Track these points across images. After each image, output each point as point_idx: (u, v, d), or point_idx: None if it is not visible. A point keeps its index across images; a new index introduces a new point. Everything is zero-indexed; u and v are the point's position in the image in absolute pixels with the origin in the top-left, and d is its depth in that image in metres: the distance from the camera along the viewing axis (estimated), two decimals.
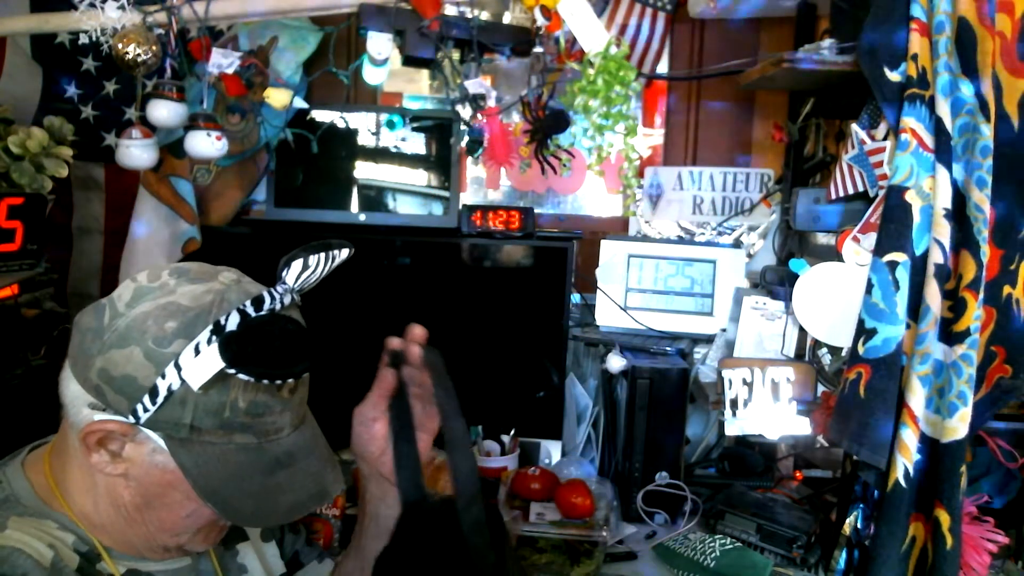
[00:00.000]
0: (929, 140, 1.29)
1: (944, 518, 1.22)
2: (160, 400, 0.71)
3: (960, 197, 1.28)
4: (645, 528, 1.68)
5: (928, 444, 1.26)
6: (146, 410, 0.72)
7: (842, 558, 1.43)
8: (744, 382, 1.64)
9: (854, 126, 1.41)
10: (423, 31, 1.37)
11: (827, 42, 1.49)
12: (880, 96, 1.34)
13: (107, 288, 1.86)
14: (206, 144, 1.39)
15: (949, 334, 1.26)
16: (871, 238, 1.35)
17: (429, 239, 1.91)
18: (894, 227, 1.29)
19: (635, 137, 1.47)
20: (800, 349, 1.66)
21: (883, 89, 1.34)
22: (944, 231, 1.27)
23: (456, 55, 1.45)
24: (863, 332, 1.31)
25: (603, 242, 1.94)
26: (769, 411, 1.63)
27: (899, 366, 1.29)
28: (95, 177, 1.89)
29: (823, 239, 1.66)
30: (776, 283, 1.75)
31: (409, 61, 1.44)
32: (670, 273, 1.92)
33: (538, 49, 1.46)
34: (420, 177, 1.97)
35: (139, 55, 1.26)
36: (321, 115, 1.91)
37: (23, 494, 0.80)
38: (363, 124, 1.94)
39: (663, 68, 2.07)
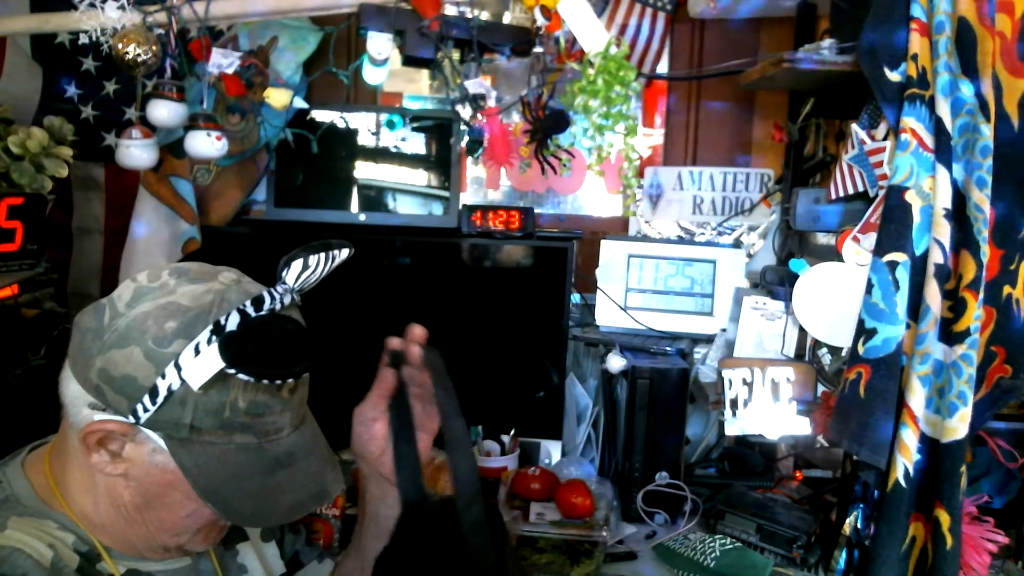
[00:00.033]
0: (929, 140, 1.29)
1: (944, 518, 1.22)
2: (160, 400, 0.71)
3: (960, 197, 1.28)
4: (645, 528, 1.68)
5: (928, 444, 1.26)
6: (146, 410, 0.72)
7: (842, 558, 1.43)
8: (744, 382, 1.64)
9: (854, 126, 1.41)
10: (423, 31, 1.37)
11: (827, 42, 1.49)
12: (880, 96, 1.34)
13: (107, 288, 1.86)
14: (206, 144, 1.39)
15: (949, 334, 1.26)
16: (871, 238, 1.35)
17: (429, 239, 1.91)
18: (894, 227, 1.29)
19: (635, 137, 1.47)
20: (800, 349, 1.66)
21: (883, 89, 1.34)
22: (944, 231, 1.27)
23: (456, 55, 1.45)
24: (863, 332, 1.31)
25: (603, 242, 1.94)
26: (769, 411, 1.63)
27: (899, 366, 1.29)
28: (95, 177, 1.89)
29: (823, 239, 1.66)
30: (776, 283, 1.75)
31: (409, 61, 1.44)
32: (670, 273, 1.92)
33: (538, 49, 1.46)
34: (420, 177, 1.97)
35: (139, 55, 1.26)
36: (321, 115, 1.91)
37: (23, 494, 0.80)
38: (363, 124, 1.94)
39: (663, 68, 2.07)
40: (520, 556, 1.47)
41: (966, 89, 1.29)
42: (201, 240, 1.82)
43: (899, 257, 1.28)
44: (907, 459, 1.25)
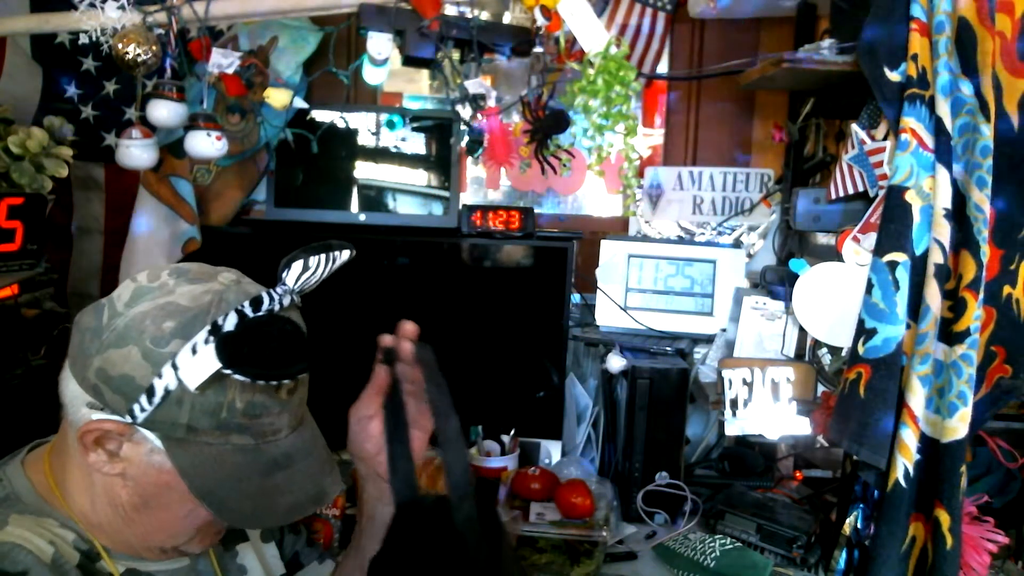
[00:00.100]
0: (929, 140, 1.29)
1: (944, 518, 1.22)
2: (157, 400, 0.71)
3: (960, 197, 1.28)
4: (645, 528, 1.68)
5: (928, 444, 1.26)
6: (143, 410, 0.72)
7: (842, 558, 1.43)
8: (744, 382, 1.64)
9: (854, 126, 1.41)
10: (423, 31, 1.37)
11: (827, 42, 1.49)
12: (880, 96, 1.34)
13: (107, 288, 1.86)
14: (206, 144, 1.39)
15: (949, 334, 1.26)
16: (871, 238, 1.35)
17: (429, 239, 1.91)
18: (894, 227, 1.29)
19: (635, 137, 1.47)
20: (800, 349, 1.66)
21: (883, 89, 1.34)
22: (944, 231, 1.27)
23: (456, 55, 1.45)
24: (863, 332, 1.31)
25: (603, 242, 1.94)
26: (769, 411, 1.63)
27: (899, 366, 1.29)
28: (95, 177, 1.89)
29: (823, 239, 1.66)
30: (776, 283, 1.75)
31: (409, 61, 1.44)
32: (670, 273, 1.92)
33: (538, 49, 1.46)
34: (420, 177, 1.97)
35: (139, 55, 1.26)
36: (321, 115, 1.91)
37: (23, 492, 0.80)
38: (363, 124, 1.94)
39: (663, 68, 2.07)
40: (520, 556, 1.47)
41: (966, 89, 1.29)
42: (201, 240, 1.82)
43: (899, 257, 1.28)
44: (907, 459, 1.25)
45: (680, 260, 1.92)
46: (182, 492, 0.75)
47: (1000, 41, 1.29)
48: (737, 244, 2.04)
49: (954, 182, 1.28)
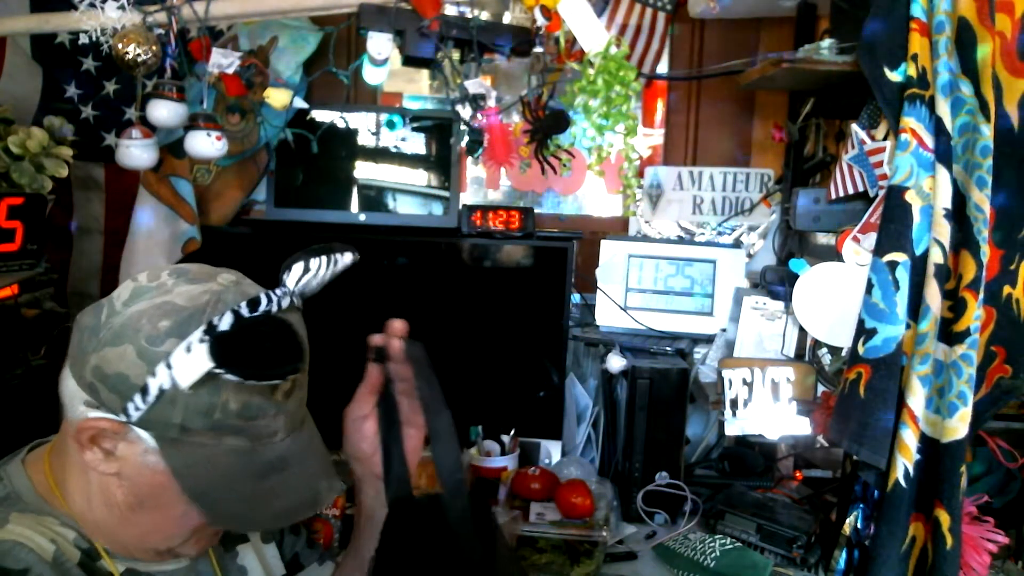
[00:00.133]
0: (929, 140, 1.29)
1: (944, 518, 1.22)
2: (151, 399, 0.71)
3: (960, 197, 1.28)
4: (645, 528, 1.68)
5: (928, 444, 1.26)
6: (137, 409, 0.72)
7: (842, 558, 1.43)
8: (744, 382, 1.64)
9: (854, 126, 1.41)
10: (423, 31, 1.37)
11: (827, 42, 1.49)
12: (880, 96, 1.34)
13: (107, 288, 1.86)
14: (206, 144, 1.39)
15: (949, 334, 1.26)
16: (871, 238, 1.35)
17: (429, 239, 1.91)
18: (894, 227, 1.29)
19: (635, 137, 1.47)
20: (800, 349, 1.66)
21: (883, 89, 1.34)
22: (944, 231, 1.27)
23: (456, 55, 1.45)
24: (863, 332, 1.31)
25: (603, 242, 1.94)
26: (769, 411, 1.63)
27: (899, 366, 1.29)
28: (95, 177, 1.89)
29: (823, 239, 1.66)
30: (776, 283, 1.75)
31: (409, 61, 1.44)
32: (670, 273, 1.92)
33: (538, 49, 1.46)
34: (420, 177, 1.97)
35: (139, 55, 1.26)
36: (321, 115, 1.91)
37: (24, 492, 0.80)
38: (363, 124, 1.94)
39: (663, 68, 2.07)
40: (520, 556, 1.47)
41: (966, 89, 1.29)
42: (201, 240, 1.82)
43: (899, 257, 1.28)
44: (907, 459, 1.25)
45: (680, 260, 1.92)
46: (176, 493, 0.75)
47: (1000, 41, 1.29)
48: (737, 244, 2.04)
49: (954, 182, 1.28)
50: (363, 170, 1.95)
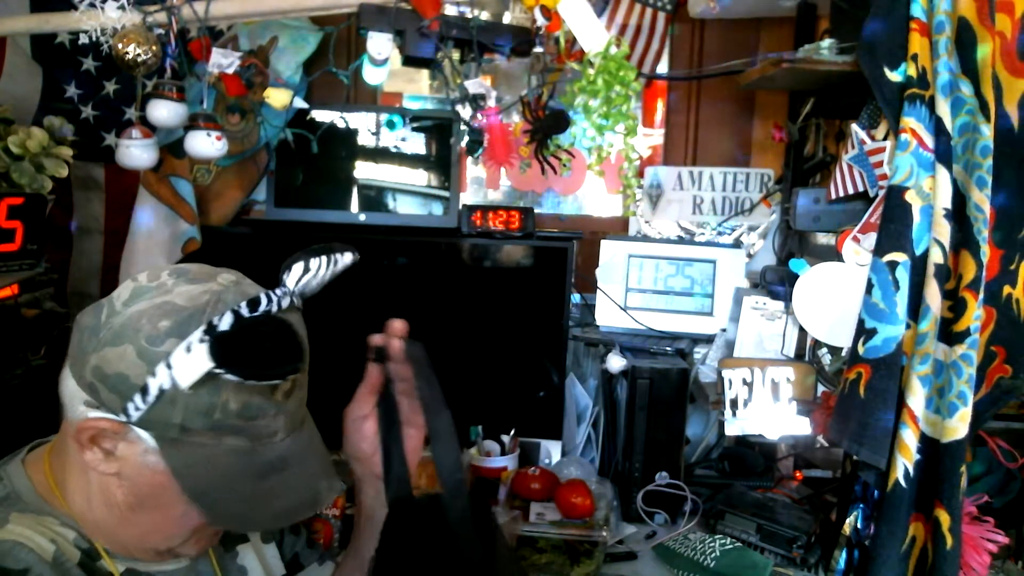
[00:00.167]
0: (929, 140, 1.29)
1: (944, 518, 1.22)
2: (151, 399, 0.71)
3: (960, 197, 1.28)
4: (645, 528, 1.68)
5: (928, 444, 1.26)
6: (137, 409, 0.72)
7: (842, 558, 1.43)
8: (744, 382, 1.64)
9: (854, 126, 1.41)
10: (423, 31, 1.37)
11: (827, 42, 1.49)
12: (880, 96, 1.34)
13: (107, 288, 1.86)
14: (206, 144, 1.39)
15: (949, 334, 1.26)
16: (871, 238, 1.35)
17: (429, 239, 1.91)
18: (894, 227, 1.29)
19: (635, 137, 1.47)
20: (800, 349, 1.66)
21: (883, 89, 1.34)
22: (944, 231, 1.27)
23: (456, 55, 1.45)
24: (863, 332, 1.31)
25: (603, 242, 1.94)
26: (769, 411, 1.63)
27: (899, 366, 1.29)
28: (95, 177, 1.89)
29: (823, 239, 1.66)
30: (776, 283, 1.75)
31: (409, 61, 1.44)
32: (670, 273, 1.92)
33: (538, 49, 1.46)
34: (420, 177, 1.97)
35: (139, 55, 1.26)
36: (321, 115, 1.91)
37: (24, 491, 0.80)
38: (363, 124, 1.94)
39: (663, 68, 2.07)
40: (520, 556, 1.48)
41: (966, 89, 1.29)
42: (201, 240, 1.82)
43: (899, 257, 1.28)
44: (907, 459, 1.25)
45: (680, 260, 1.92)
46: (176, 493, 0.75)
47: (1000, 41, 1.29)
48: (737, 244, 2.04)
49: (954, 182, 1.28)
50: (363, 170, 1.95)
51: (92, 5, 1.26)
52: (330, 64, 1.45)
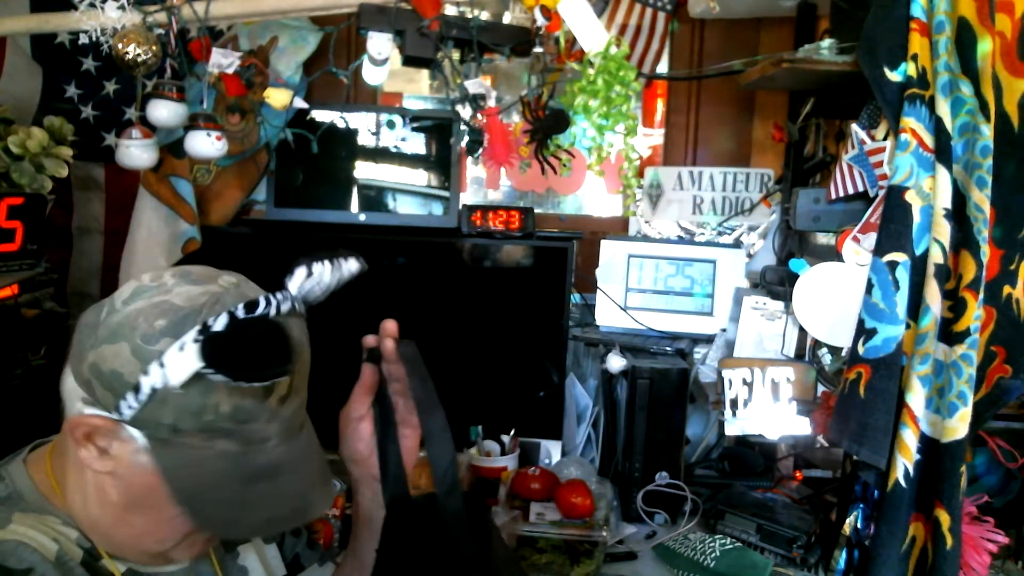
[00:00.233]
0: (929, 140, 1.29)
1: (944, 518, 1.22)
2: (144, 398, 0.71)
3: (960, 197, 1.28)
4: (645, 528, 1.68)
5: (928, 444, 1.26)
6: (130, 407, 0.71)
7: (842, 558, 1.43)
8: (744, 382, 1.64)
9: (854, 126, 1.41)
10: (423, 31, 1.37)
11: (827, 42, 1.49)
12: (880, 96, 1.34)
13: (107, 288, 1.87)
14: (206, 144, 1.39)
15: (949, 334, 1.26)
16: (871, 238, 1.35)
17: (429, 239, 1.91)
18: (894, 227, 1.29)
19: (635, 137, 1.47)
20: (800, 349, 1.66)
21: (883, 89, 1.34)
22: (944, 231, 1.27)
23: (456, 55, 1.45)
24: (863, 332, 1.31)
25: (603, 242, 1.94)
26: (769, 411, 1.63)
27: (899, 366, 1.29)
28: (95, 177, 1.89)
29: (823, 239, 1.66)
30: (776, 283, 1.75)
31: (409, 61, 1.44)
32: (670, 273, 1.92)
33: (538, 49, 1.46)
34: (420, 177, 1.97)
35: (139, 55, 1.26)
36: (321, 115, 1.91)
37: (26, 491, 0.80)
38: (363, 124, 1.94)
39: (663, 68, 2.07)
40: (520, 556, 1.48)
41: (966, 89, 1.29)
42: (201, 240, 1.82)
43: (899, 257, 1.28)
44: (907, 459, 1.25)
45: (680, 260, 1.92)
46: (167, 495, 0.74)
47: (1000, 41, 1.29)
48: (737, 244, 2.04)
49: (954, 182, 1.28)
50: (363, 170, 1.95)
51: (92, 5, 1.26)
52: (330, 64, 1.45)
